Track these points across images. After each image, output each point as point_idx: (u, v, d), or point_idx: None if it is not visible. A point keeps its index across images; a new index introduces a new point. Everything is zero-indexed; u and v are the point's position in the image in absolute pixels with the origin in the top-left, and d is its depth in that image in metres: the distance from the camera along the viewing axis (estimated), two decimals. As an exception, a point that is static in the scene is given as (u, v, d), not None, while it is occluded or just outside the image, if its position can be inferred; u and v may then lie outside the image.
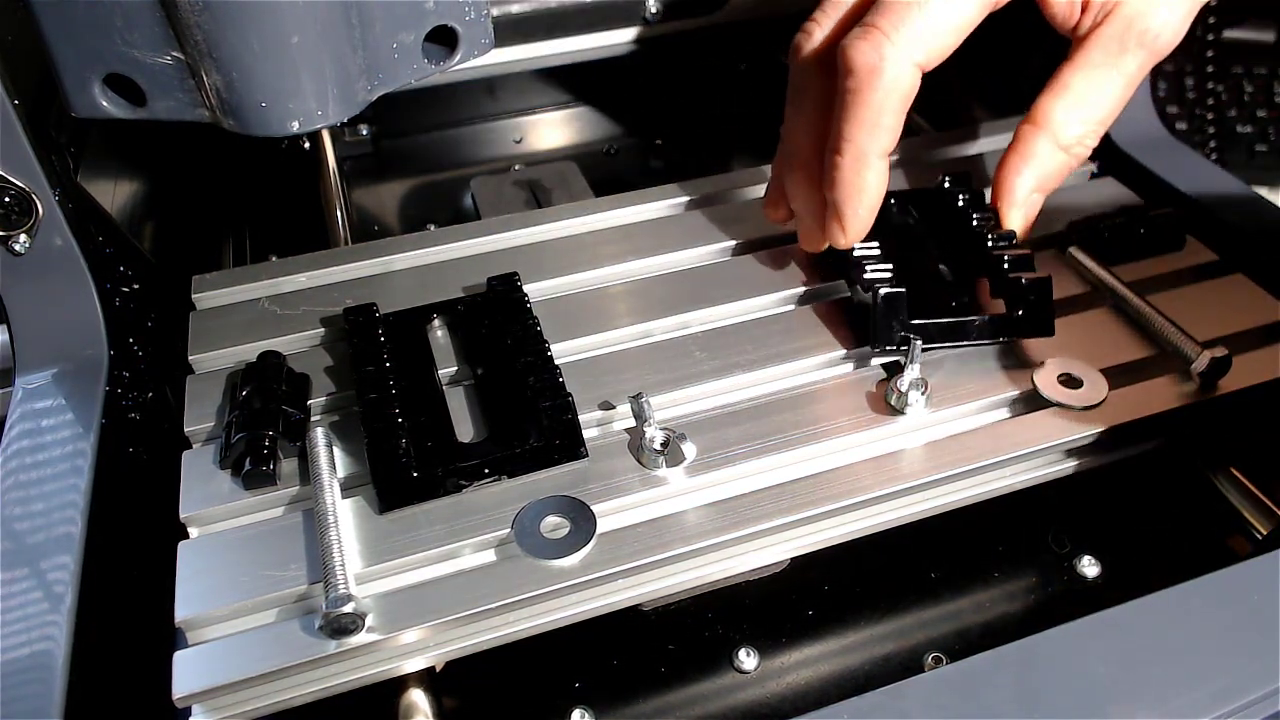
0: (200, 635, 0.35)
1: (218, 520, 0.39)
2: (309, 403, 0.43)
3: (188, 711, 0.34)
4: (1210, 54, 0.83)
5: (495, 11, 0.72)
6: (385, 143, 0.77)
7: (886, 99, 0.40)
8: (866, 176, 0.42)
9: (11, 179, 0.42)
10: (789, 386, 0.44)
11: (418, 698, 0.38)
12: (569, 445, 0.40)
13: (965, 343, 0.44)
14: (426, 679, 0.38)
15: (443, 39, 0.40)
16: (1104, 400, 0.42)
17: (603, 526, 0.37)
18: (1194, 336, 0.43)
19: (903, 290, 0.43)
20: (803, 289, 0.49)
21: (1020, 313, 0.44)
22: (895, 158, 0.59)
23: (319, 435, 0.40)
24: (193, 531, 0.39)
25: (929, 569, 0.44)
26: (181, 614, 0.35)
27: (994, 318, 0.44)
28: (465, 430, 0.41)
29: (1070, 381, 0.43)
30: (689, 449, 0.40)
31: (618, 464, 0.40)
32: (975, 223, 0.47)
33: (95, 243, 0.47)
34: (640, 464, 0.40)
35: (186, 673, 0.34)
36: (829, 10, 0.44)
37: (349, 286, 0.49)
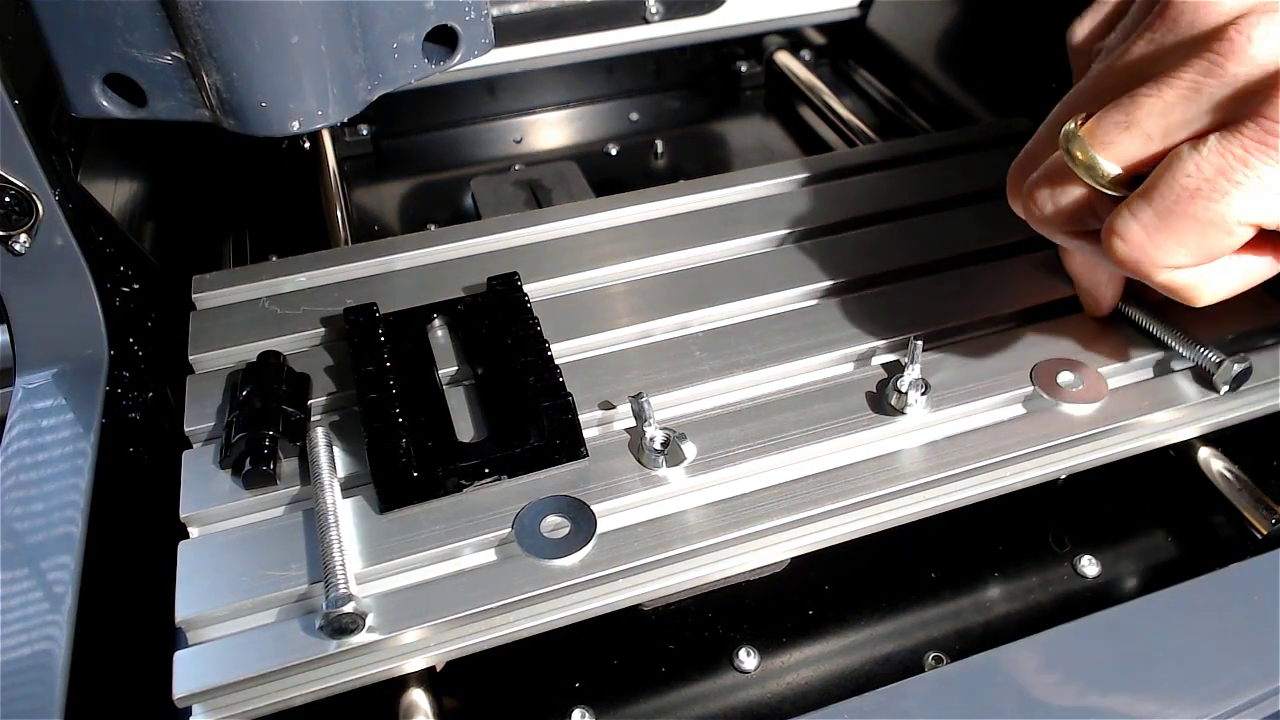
0: (201, 635, 0.35)
1: (218, 520, 0.39)
2: (309, 402, 0.43)
3: (188, 711, 0.34)
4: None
5: (495, 11, 0.72)
6: (385, 143, 0.77)
7: None
8: None
9: (11, 179, 0.42)
10: (789, 386, 0.44)
11: (418, 697, 0.38)
12: (569, 445, 0.40)
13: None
14: (427, 679, 0.38)
15: (443, 39, 0.40)
16: (1104, 400, 0.42)
17: (603, 526, 0.37)
18: (1194, 336, 0.43)
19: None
20: (803, 289, 0.49)
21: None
22: (893, 158, 0.60)
23: (319, 435, 0.40)
24: (193, 531, 0.39)
25: (929, 569, 0.44)
26: (182, 614, 0.35)
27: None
28: (465, 430, 0.41)
29: (1070, 381, 0.43)
30: (689, 449, 0.40)
31: (618, 464, 0.40)
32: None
33: (95, 242, 0.47)
34: (640, 464, 0.40)
35: (187, 672, 0.34)
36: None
37: (349, 286, 0.49)
